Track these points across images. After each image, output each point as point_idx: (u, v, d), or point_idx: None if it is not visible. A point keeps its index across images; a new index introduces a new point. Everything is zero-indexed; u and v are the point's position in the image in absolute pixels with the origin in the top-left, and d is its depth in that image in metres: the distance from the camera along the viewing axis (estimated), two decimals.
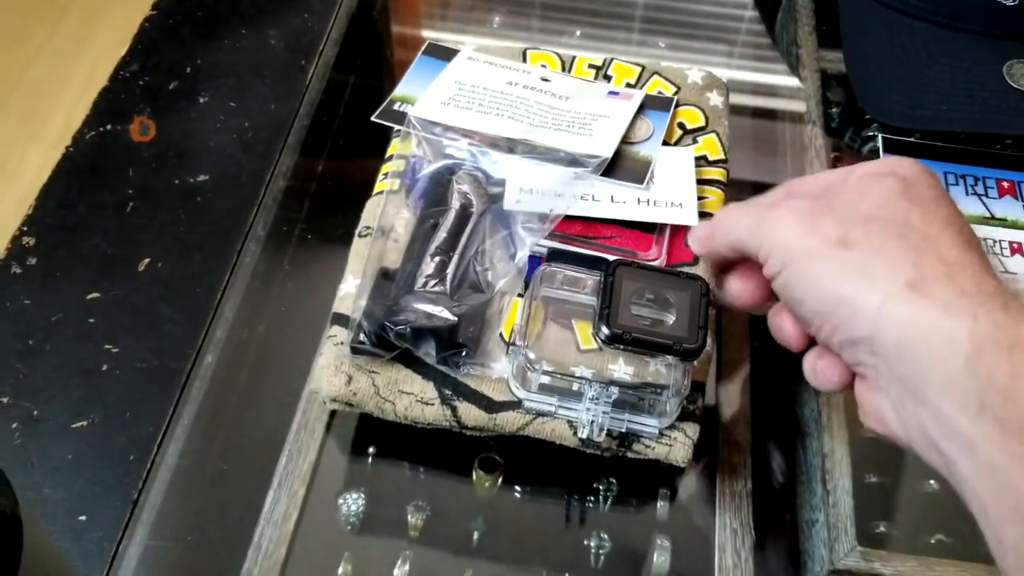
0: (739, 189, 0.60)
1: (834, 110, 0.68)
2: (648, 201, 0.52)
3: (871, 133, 0.65)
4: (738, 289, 0.46)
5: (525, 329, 0.46)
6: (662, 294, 0.45)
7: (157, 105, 0.64)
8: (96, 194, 0.59)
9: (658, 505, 0.49)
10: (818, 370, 0.42)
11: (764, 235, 0.41)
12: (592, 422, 0.45)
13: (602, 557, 0.47)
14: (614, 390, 0.45)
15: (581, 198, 0.52)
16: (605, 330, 0.44)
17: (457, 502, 0.49)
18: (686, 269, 0.51)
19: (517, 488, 0.49)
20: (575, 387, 0.46)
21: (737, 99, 0.68)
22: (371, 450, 0.50)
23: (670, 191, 0.53)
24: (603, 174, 0.53)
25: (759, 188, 0.62)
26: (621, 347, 0.44)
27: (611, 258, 0.47)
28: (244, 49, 0.68)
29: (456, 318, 0.46)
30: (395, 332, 0.46)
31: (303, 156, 0.63)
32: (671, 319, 0.45)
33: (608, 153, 0.53)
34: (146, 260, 0.56)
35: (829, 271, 0.38)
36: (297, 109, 0.64)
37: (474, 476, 0.50)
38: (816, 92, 0.68)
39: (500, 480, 0.49)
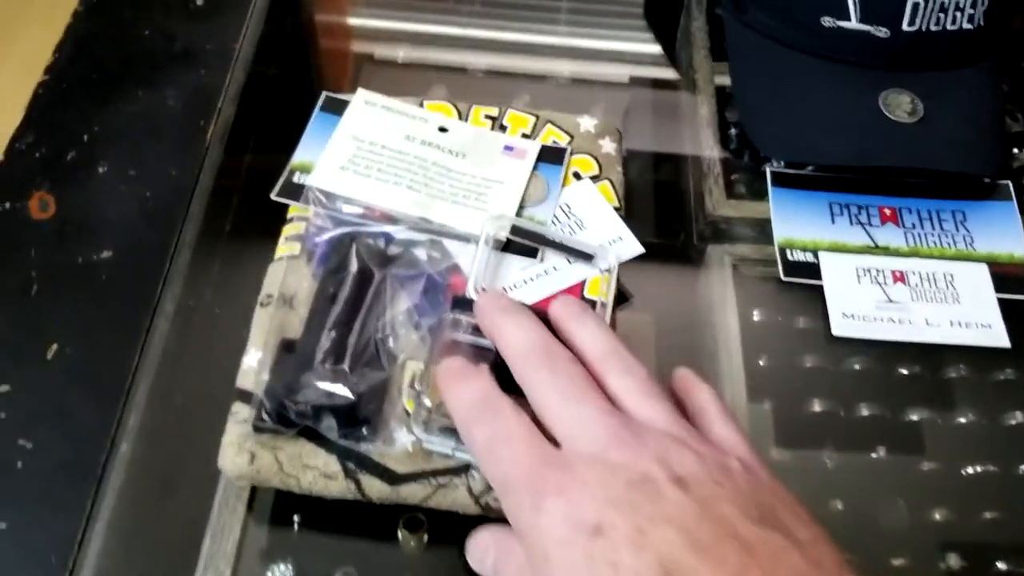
0: (641, 220, 0.62)
1: (732, 131, 0.69)
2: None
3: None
4: None
5: (426, 375, 0.47)
6: None
7: (55, 178, 0.64)
8: None
9: None
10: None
11: None
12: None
13: None
14: None
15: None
16: None
17: (384, 564, 0.50)
18: None
19: (443, 545, 0.50)
20: None
21: (638, 117, 0.71)
22: (295, 519, 0.51)
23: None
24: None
25: (660, 217, 0.65)
26: None
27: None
28: (140, 112, 0.68)
29: (356, 396, 0.47)
30: (295, 411, 0.47)
31: (207, 224, 0.63)
32: None
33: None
34: (54, 346, 0.56)
35: None
36: (197, 176, 0.64)
37: (399, 536, 0.50)
38: (713, 117, 0.70)
39: (425, 538, 0.50)
